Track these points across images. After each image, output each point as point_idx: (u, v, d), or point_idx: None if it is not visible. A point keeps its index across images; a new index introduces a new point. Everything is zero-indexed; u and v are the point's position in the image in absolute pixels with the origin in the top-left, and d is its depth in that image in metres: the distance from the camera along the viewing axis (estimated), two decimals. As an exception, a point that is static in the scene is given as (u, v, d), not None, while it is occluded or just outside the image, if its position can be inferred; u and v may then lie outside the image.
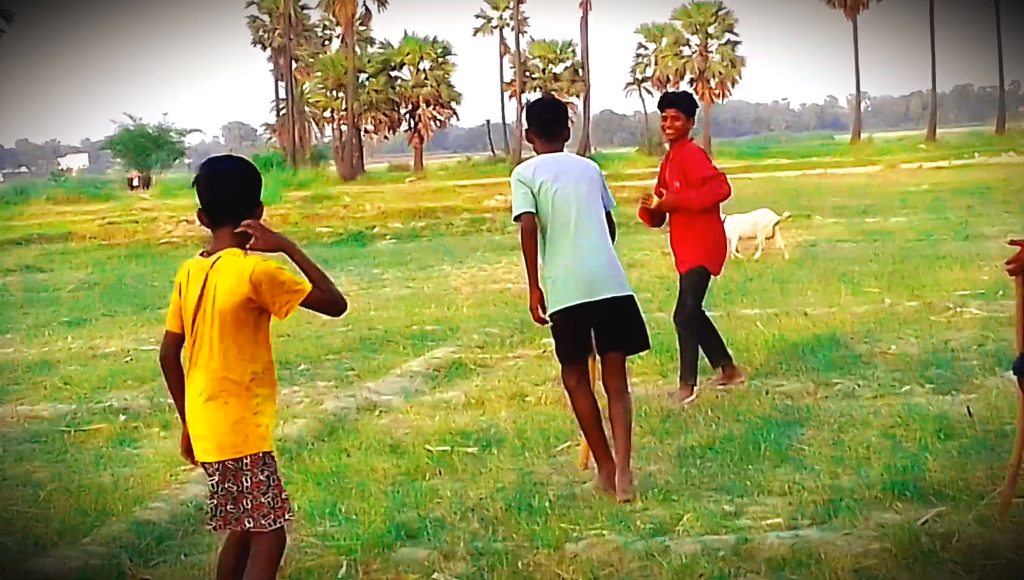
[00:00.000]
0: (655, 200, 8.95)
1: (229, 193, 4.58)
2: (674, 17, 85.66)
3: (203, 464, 4.59)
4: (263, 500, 4.51)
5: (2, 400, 10.46)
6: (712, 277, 9.25)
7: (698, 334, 9.23)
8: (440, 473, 7.37)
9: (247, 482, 4.50)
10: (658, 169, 9.42)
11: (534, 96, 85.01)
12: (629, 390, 7.01)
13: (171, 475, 7.51)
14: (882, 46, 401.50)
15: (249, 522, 4.52)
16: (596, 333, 6.88)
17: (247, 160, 4.79)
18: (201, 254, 4.60)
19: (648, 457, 7.49)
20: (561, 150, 6.95)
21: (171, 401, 4.86)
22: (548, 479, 7.12)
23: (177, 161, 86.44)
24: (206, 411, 4.49)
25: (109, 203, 51.78)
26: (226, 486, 4.53)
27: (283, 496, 4.59)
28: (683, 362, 9.02)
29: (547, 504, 6.56)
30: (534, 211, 6.71)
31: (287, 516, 4.60)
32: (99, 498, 7.07)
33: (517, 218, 6.79)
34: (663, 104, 9.07)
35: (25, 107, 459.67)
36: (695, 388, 8.91)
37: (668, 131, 9.02)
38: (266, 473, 4.53)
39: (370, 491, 6.98)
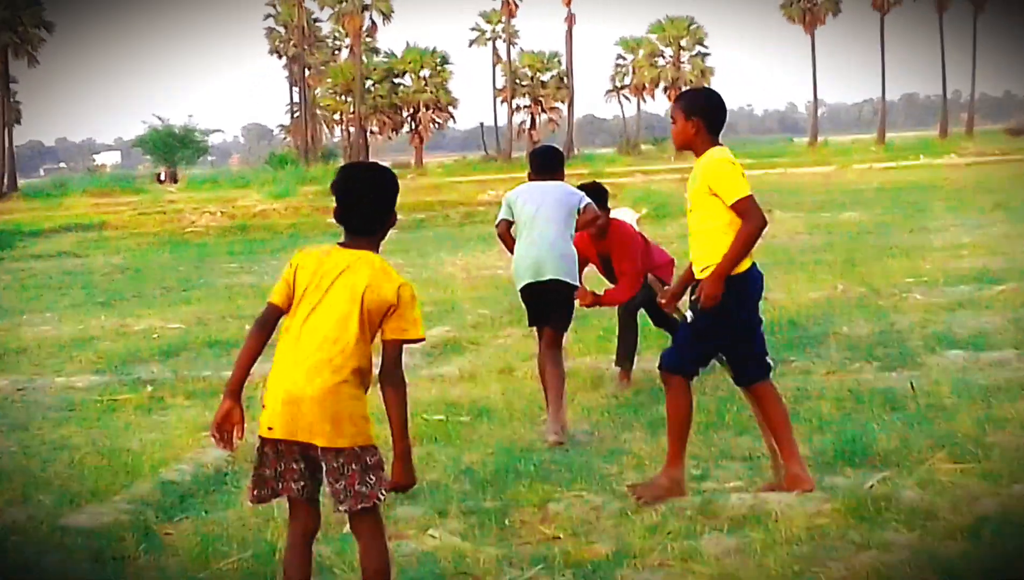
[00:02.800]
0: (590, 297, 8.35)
1: (362, 201, 4.34)
2: (650, 31, 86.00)
3: (292, 444, 4.22)
4: (370, 478, 4.29)
5: (42, 372, 10.43)
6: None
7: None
8: (436, 440, 7.35)
9: (367, 462, 4.28)
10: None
11: (523, 101, 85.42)
12: (561, 359, 7.54)
13: (193, 440, 7.49)
14: (837, 58, 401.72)
15: (357, 502, 4.26)
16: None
17: (385, 168, 4.51)
18: (340, 244, 4.36)
19: (623, 426, 7.49)
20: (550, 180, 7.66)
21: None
22: (533, 446, 7.11)
23: (201, 158, 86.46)
24: (334, 397, 4.18)
25: (139, 196, 51.77)
26: (348, 468, 4.24)
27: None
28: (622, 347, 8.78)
29: (532, 468, 6.55)
30: (509, 219, 7.57)
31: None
32: (128, 460, 7.06)
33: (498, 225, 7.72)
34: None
35: (64, 109, 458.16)
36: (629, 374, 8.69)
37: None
38: (378, 455, 4.34)
39: (373, 456, 6.95)
